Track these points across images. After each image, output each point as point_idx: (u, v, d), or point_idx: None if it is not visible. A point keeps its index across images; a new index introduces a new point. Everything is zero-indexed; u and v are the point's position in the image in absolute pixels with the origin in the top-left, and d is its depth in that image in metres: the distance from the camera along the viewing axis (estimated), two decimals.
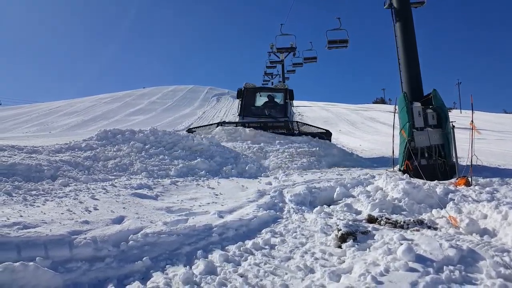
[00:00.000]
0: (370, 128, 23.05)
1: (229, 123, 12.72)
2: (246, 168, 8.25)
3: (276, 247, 4.00)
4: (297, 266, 3.45)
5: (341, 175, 7.71)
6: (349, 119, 27.50)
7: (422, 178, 6.59)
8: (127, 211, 4.62)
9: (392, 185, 5.89)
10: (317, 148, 10.05)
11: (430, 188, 5.70)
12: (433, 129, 7.93)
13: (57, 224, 3.80)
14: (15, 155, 6.30)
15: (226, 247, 3.95)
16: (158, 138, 8.83)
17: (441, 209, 4.93)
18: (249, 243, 4.03)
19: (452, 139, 7.58)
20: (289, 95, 13.22)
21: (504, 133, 22.56)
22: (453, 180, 6.65)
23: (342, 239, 3.98)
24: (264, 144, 10.26)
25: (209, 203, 5.46)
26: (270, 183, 7.02)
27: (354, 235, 4.03)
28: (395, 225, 4.53)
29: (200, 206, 5.28)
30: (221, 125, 12.22)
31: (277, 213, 5.19)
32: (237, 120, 13.38)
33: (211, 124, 13.09)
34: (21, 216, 3.92)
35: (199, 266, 3.44)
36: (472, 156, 6.45)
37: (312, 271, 3.38)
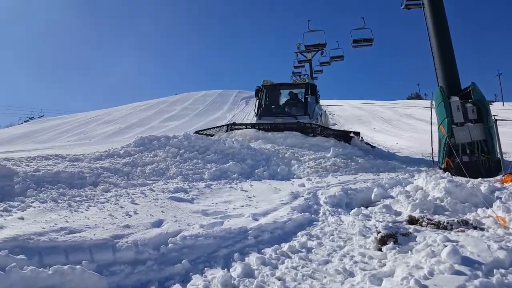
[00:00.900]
0: (407, 125, 22.42)
1: (240, 124, 12.02)
2: (278, 170, 8.22)
3: (313, 250, 3.94)
4: (336, 270, 3.39)
5: (378, 175, 7.54)
6: (383, 116, 26.85)
7: (464, 176, 6.36)
8: (165, 215, 4.70)
9: (433, 184, 5.68)
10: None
11: (474, 186, 5.45)
12: (474, 124, 7.64)
13: (100, 228, 3.92)
14: (59, 164, 6.56)
15: (262, 250, 3.93)
16: (192, 143, 8.96)
17: (487, 208, 4.70)
18: (285, 246, 3.99)
19: (495, 134, 7.27)
20: (311, 90, 12.18)
21: None
22: (498, 177, 6.35)
23: (382, 241, 3.87)
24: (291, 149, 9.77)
25: (243, 206, 5.47)
26: (303, 185, 6.95)
27: (395, 237, 3.91)
28: (438, 226, 4.37)
29: (234, 208, 5.30)
30: (231, 127, 11.68)
31: (312, 215, 5.13)
32: (254, 121, 12.50)
33: (221, 126, 12.42)
34: (66, 221, 4.06)
35: (236, 269, 3.44)
36: None
37: (351, 274, 3.30)
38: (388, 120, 24.66)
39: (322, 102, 36.13)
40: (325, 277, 3.28)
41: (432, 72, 8.66)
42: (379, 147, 12.73)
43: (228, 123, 12.92)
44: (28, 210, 4.42)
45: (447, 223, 4.37)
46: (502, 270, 2.96)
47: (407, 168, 8.42)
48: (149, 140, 8.99)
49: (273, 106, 12.78)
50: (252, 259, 3.66)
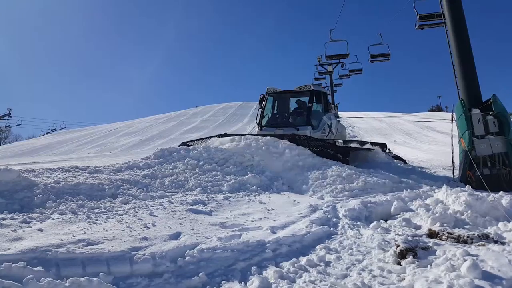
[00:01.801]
0: (427, 137, 22.07)
1: (231, 135, 10.63)
2: (297, 183, 8.15)
3: (331, 264, 3.91)
4: (354, 284, 3.35)
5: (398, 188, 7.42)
6: (404, 128, 26.53)
7: (485, 189, 6.22)
8: (183, 227, 4.73)
9: (453, 197, 5.59)
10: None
11: (495, 200, 5.34)
12: (495, 137, 7.52)
13: (118, 240, 3.97)
14: (79, 175, 6.69)
15: (280, 264, 3.93)
16: (211, 155, 9.00)
17: (508, 222, 4.61)
18: (303, 260, 3.98)
19: None
20: (316, 98, 10.86)
21: None
22: None
23: (401, 255, 3.82)
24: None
25: (261, 218, 5.46)
26: (322, 198, 6.90)
27: (414, 251, 3.86)
28: (458, 240, 4.29)
29: (252, 221, 5.30)
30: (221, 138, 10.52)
31: (331, 228, 5.10)
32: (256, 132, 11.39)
33: (210, 137, 11.23)
34: (85, 233, 4.13)
35: (254, 282, 3.44)
36: None
37: None
38: (408, 133, 24.33)
39: (342, 114, 36.06)
40: None
41: (453, 84, 8.58)
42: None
43: (219, 134, 11.66)
44: (47, 221, 4.50)
45: (468, 237, 4.29)
46: None
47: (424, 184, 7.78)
48: (169, 152, 9.08)
49: (277, 116, 11.69)
50: (270, 272, 3.66)
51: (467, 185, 6.82)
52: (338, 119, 12.92)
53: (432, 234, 4.54)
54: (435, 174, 9.63)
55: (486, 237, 4.27)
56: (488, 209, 5.14)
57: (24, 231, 4.03)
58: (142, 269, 3.52)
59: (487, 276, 3.06)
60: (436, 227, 4.74)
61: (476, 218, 4.95)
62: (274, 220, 5.34)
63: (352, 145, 12.80)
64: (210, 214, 5.65)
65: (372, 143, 12.80)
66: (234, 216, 5.59)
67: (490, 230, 4.55)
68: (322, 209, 5.92)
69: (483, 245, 4.04)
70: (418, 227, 5.04)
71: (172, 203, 6.04)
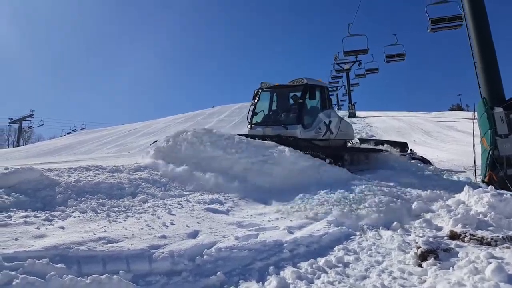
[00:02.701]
0: (448, 137, 21.66)
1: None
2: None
3: (350, 265, 3.87)
4: (373, 286, 3.31)
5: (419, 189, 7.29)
6: (423, 128, 26.09)
7: (509, 190, 6.06)
8: (201, 226, 4.75)
9: (475, 198, 5.46)
10: None
11: None
12: None
13: (138, 239, 4.01)
14: (99, 174, 6.77)
15: (298, 264, 3.91)
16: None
17: None
18: (321, 261, 3.94)
19: None
20: (310, 93, 9.53)
21: None
22: None
23: (422, 257, 3.75)
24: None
25: (277, 218, 5.44)
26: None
27: (435, 252, 3.78)
28: (481, 242, 4.19)
29: (269, 221, 5.28)
30: None
31: (350, 229, 5.04)
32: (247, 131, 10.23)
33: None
34: (105, 231, 4.18)
35: (271, 282, 3.42)
36: None
37: None
38: (428, 132, 23.92)
39: (360, 113, 35.65)
40: None
41: (474, 82, 8.39)
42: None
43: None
44: (68, 219, 4.58)
45: (491, 239, 4.18)
46: None
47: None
48: None
49: (270, 113, 10.46)
50: (288, 273, 3.64)
51: (490, 186, 6.67)
52: (342, 117, 11.12)
53: (454, 236, 4.45)
54: (456, 174, 9.45)
55: (510, 239, 4.15)
56: None
57: (46, 228, 4.11)
58: (161, 267, 3.54)
59: None
60: (458, 229, 4.64)
61: (500, 219, 4.82)
62: (291, 220, 5.31)
63: (366, 145, 12.14)
64: (227, 213, 5.66)
65: (391, 142, 12.33)
66: (251, 215, 5.58)
67: None
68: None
69: (508, 248, 3.93)
70: (439, 229, 4.94)
71: (190, 202, 6.07)
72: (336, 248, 4.36)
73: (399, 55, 29.04)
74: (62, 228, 4.20)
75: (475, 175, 8.11)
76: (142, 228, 4.44)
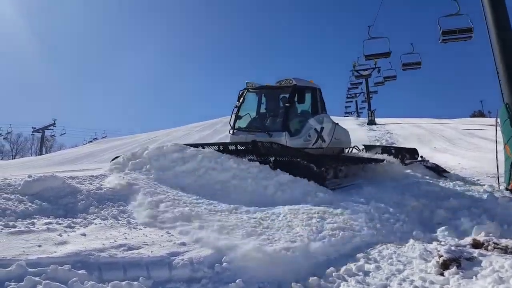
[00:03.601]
0: (470, 144, 21.20)
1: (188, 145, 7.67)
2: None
3: (370, 273, 3.82)
4: None
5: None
6: (444, 135, 25.61)
7: None
8: None
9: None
10: None
11: None
12: None
13: (157, 245, 4.05)
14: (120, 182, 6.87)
15: (318, 272, 3.87)
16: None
17: None
18: (341, 269, 3.90)
19: None
20: (299, 96, 8.48)
21: None
22: None
23: (444, 266, 3.68)
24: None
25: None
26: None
27: (458, 261, 3.71)
28: (505, 250, 4.09)
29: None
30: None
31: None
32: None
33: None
34: (125, 238, 4.23)
35: None
36: None
37: None
38: (449, 139, 23.47)
39: (379, 120, 35.18)
40: None
41: (496, 88, 8.24)
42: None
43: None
44: (90, 226, 4.64)
45: None
46: None
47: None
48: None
49: (257, 117, 9.33)
50: (307, 281, 3.61)
51: None
52: (337, 123, 9.89)
53: (477, 244, 4.35)
54: (478, 182, 9.24)
55: None
56: None
57: (68, 235, 4.18)
58: (181, 274, 3.57)
59: None
60: (481, 237, 4.55)
61: None
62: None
63: (369, 151, 10.92)
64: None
65: (400, 149, 11.50)
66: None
67: None
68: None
69: None
70: (461, 237, 4.84)
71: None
72: (356, 256, 4.30)
73: (415, 63, 29.46)
74: (84, 235, 4.26)
75: (498, 183, 7.92)
76: (162, 235, 4.47)
